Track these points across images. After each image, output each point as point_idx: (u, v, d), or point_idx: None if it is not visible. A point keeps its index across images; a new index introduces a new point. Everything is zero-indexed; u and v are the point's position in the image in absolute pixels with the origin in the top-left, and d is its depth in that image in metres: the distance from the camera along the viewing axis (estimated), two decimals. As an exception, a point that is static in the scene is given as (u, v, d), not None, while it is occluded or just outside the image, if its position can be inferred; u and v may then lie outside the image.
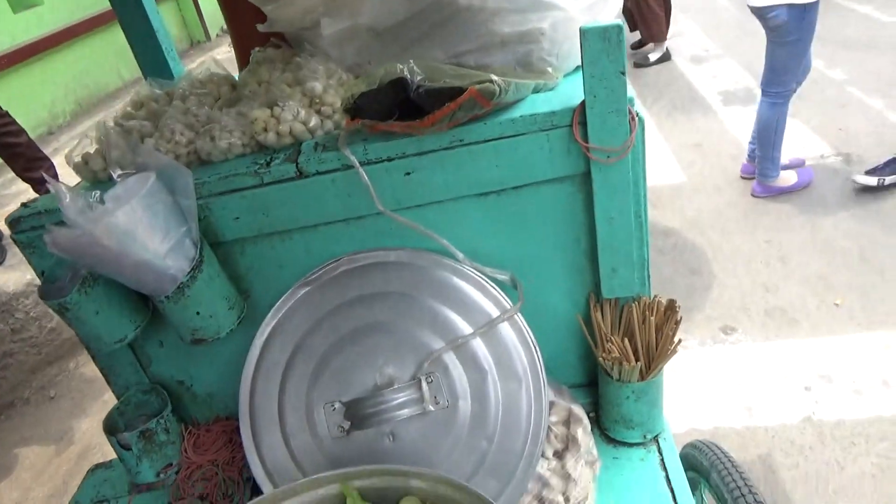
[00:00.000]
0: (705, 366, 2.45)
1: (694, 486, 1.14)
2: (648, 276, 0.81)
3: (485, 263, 0.79)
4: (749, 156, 3.30)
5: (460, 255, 0.78)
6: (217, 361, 0.91)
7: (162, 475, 0.93)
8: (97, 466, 1.01)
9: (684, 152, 3.71)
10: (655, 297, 0.81)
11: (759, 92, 3.04)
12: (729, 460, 1.06)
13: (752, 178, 3.28)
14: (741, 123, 3.98)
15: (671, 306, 0.80)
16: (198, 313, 0.77)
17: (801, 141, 3.66)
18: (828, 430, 2.10)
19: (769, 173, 3.13)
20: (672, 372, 2.50)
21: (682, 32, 5.56)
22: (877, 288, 2.58)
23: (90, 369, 2.87)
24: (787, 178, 3.17)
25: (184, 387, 0.95)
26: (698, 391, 2.33)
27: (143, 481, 0.93)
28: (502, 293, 0.79)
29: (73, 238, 0.65)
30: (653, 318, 0.78)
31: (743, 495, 0.96)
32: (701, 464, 1.10)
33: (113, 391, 0.95)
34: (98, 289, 0.76)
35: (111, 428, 0.91)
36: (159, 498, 0.92)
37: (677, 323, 0.79)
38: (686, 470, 0.86)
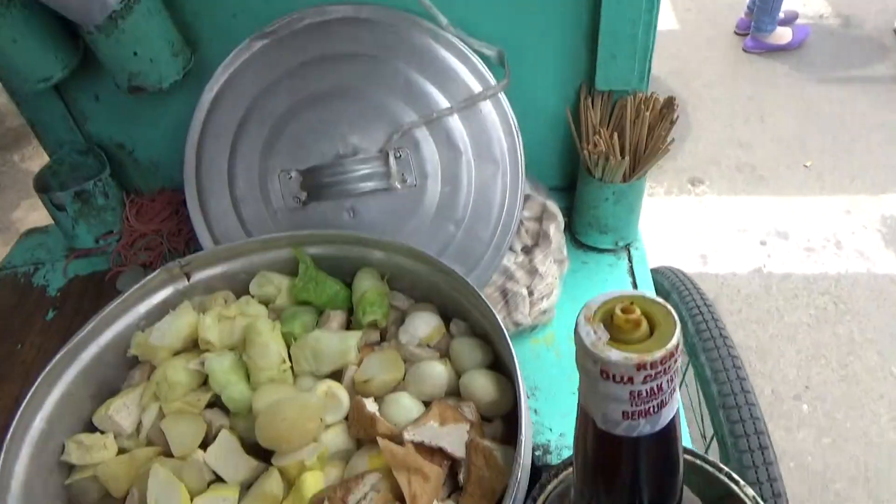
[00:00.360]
0: (668, 214, 2.46)
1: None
2: (649, 71, 0.73)
3: (471, 34, 0.69)
4: (748, 7, 3.13)
5: (444, 21, 0.68)
6: (161, 124, 0.82)
7: (101, 241, 0.87)
8: (31, 231, 0.94)
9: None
10: (652, 93, 0.74)
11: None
12: (690, 281, 1.05)
13: (746, 34, 3.13)
14: (745, -28, 3.71)
15: (669, 104, 0.72)
16: (135, 54, 0.66)
17: (803, -3, 3.45)
18: (775, 282, 2.16)
19: (765, 27, 2.98)
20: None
21: None
22: (849, 154, 2.57)
23: (38, 163, 2.74)
24: (782, 34, 3.03)
25: (124, 151, 0.86)
26: (658, 237, 2.35)
27: (80, 246, 0.86)
28: (487, 70, 0.70)
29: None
30: (647, 114, 0.71)
31: (701, 312, 0.95)
32: (662, 286, 1.09)
33: (45, 150, 0.86)
34: (15, 13, 0.64)
35: (43, 187, 0.83)
36: (98, 264, 0.86)
37: (672, 123, 0.72)
38: (647, 293, 0.84)
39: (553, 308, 0.76)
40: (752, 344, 1.97)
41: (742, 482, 0.43)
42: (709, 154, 2.62)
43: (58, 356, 0.53)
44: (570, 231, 0.85)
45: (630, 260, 0.82)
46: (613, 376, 0.25)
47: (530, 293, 0.74)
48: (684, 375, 1.10)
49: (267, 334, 0.57)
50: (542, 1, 0.69)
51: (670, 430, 0.28)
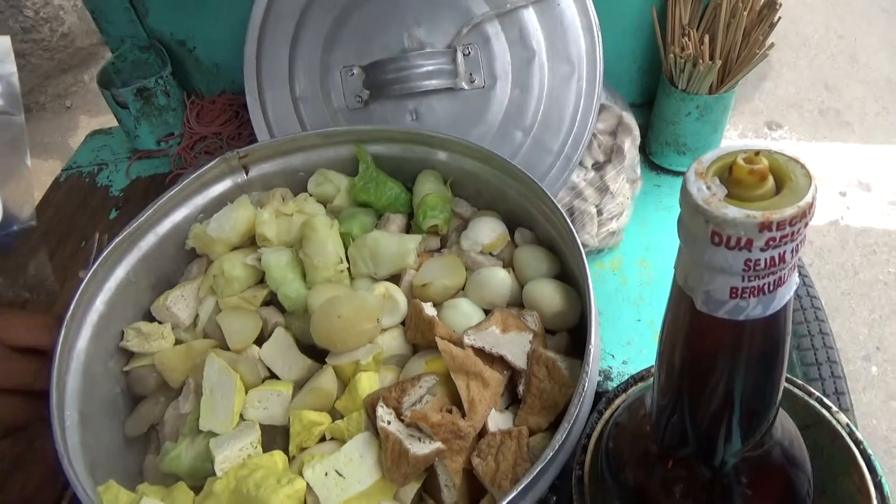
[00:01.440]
0: (741, 157, 2.33)
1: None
2: (751, -34, 0.65)
3: (553, -82, 0.63)
4: None
5: None
6: (223, 18, 0.79)
7: (163, 144, 0.86)
8: (96, 132, 0.94)
9: (774, -78, 3.21)
10: (753, -8, 0.66)
11: None
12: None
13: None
14: None
15: (770, 4, 0.65)
16: (197, -67, 0.63)
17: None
18: (852, 236, 2.04)
19: None
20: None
21: None
22: (949, 102, 2.36)
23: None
24: None
25: (186, 49, 0.84)
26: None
27: (143, 147, 0.86)
28: (569, -42, 0.63)
29: None
30: (745, 15, 0.64)
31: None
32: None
33: (108, 45, 0.84)
34: None
35: (106, 83, 0.82)
36: (160, 166, 0.85)
37: (772, 26, 0.65)
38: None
39: (622, 231, 0.72)
40: (822, 300, 1.87)
41: (834, 408, 0.39)
42: (790, 96, 2.46)
43: (116, 240, 0.52)
44: (645, 152, 0.80)
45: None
46: (728, 239, 0.21)
47: (599, 213, 0.70)
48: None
49: (324, 231, 0.54)
50: None
51: (781, 318, 0.24)
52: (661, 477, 0.31)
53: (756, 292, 0.22)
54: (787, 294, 0.23)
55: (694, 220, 0.21)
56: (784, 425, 0.31)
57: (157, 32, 0.82)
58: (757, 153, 0.21)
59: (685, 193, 0.22)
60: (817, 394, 0.39)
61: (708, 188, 0.21)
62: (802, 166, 0.21)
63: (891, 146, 2.23)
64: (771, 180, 0.21)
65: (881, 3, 2.74)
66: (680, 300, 0.25)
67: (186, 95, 0.86)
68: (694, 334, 0.25)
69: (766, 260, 0.21)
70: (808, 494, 0.31)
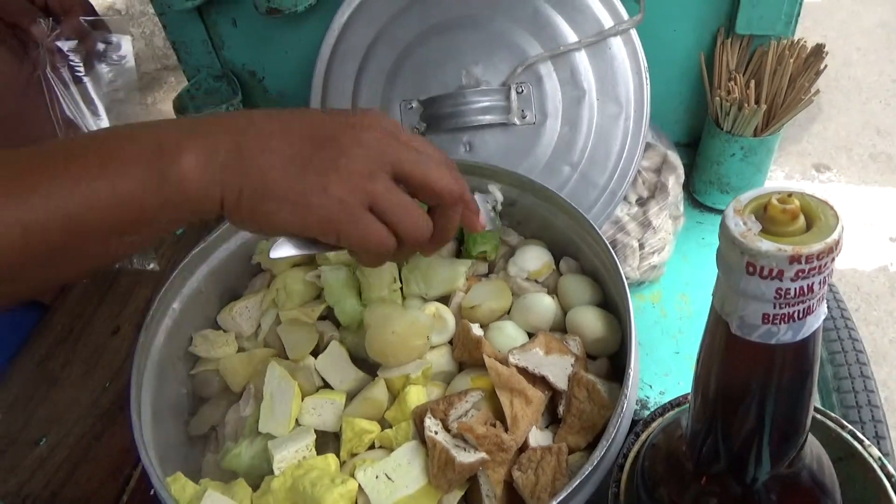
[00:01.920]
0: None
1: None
2: (798, 15, 0.68)
3: (607, -33, 0.67)
4: None
5: (581, -51, 0.66)
6: (292, 53, 0.85)
7: (228, 166, 0.91)
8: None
9: (828, -34, 3.21)
10: (800, 39, 0.69)
11: None
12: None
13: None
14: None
15: (817, 52, 0.67)
16: (276, -25, 0.69)
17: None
18: (903, 283, 1.99)
19: None
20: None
21: None
22: None
23: (168, 105, 2.92)
24: None
25: (256, 79, 0.90)
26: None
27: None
28: (620, 3, 0.67)
29: None
30: (791, 62, 0.66)
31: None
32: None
33: (185, 73, 0.91)
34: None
35: (181, 108, 0.88)
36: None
37: (818, 73, 0.67)
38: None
39: (663, 265, 0.74)
40: (869, 347, 1.82)
41: (867, 441, 0.40)
42: (840, 139, 2.43)
43: (192, 252, 0.57)
44: (689, 190, 0.82)
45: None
46: (761, 270, 0.23)
47: (641, 246, 0.72)
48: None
49: None
50: (687, -65, 0.66)
51: (811, 344, 0.26)
52: (695, 493, 0.33)
53: (787, 319, 0.25)
54: (815, 322, 0.25)
55: (731, 252, 0.24)
56: (814, 451, 0.33)
57: (231, 63, 0.89)
58: (790, 195, 0.24)
59: (724, 227, 0.24)
60: (850, 427, 0.41)
61: (744, 223, 0.24)
62: (831, 207, 0.24)
63: (944, 194, 2.19)
64: (802, 219, 0.24)
65: (937, 49, 2.71)
66: (717, 324, 0.27)
67: (253, 121, 0.92)
68: (729, 356, 0.28)
69: (795, 290, 0.24)
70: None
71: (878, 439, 0.72)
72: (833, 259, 0.23)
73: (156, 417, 0.51)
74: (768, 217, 0.24)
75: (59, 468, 0.65)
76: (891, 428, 1.72)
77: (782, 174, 2.34)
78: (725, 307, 0.26)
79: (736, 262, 0.24)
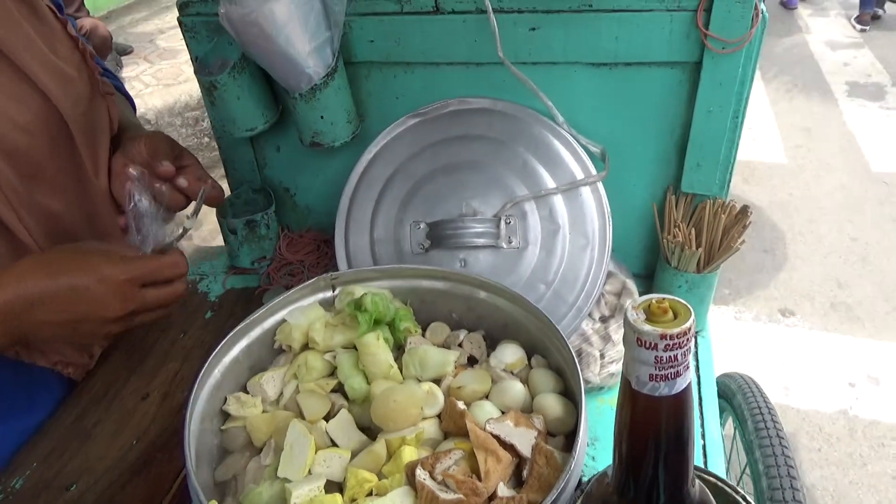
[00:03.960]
0: (754, 340, 2.46)
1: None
2: (729, 181, 0.86)
3: (581, 132, 0.86)
4: None
5: (560, 118, 0.85)
6: (322, 176, 1.03)
7: (256, 264, 1.07)
8: (201, 248, 1.16)
9: (792, 134, 3.59)
10: (731, 200, 0.87)
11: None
12: (756, 386, 1.12)
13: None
14: (859, 119, 3.79)
15: (744, 212, 0.85)
16: (322, 117, 0.87)
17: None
18: (861, 426, 2.11)
19: None
20: (720, 339, 2.51)
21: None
22: (954, 306, 2.50)
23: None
24: None
25: (288, 194, 1.07)
26: (741, 360, 2.35)
27: (239, 265, 1.07)
28: (591, 162, 0.85)
29: (241, 15, 0.75)
30: (723, 217, 0.84)
31: (761, 412, 1.02)
32: (729, 387, 1.17)
33: (229, 184, 1.08)
34: (244, 78, 0.87)
35: (222, 213, 1.04)
36: (250, 281, 1.06)
37: (745, 227, 0.84)
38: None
39: (620, 373, 0.87)
40: (830, 487, 1.91)
41: (749, 498, 0.53)
42: (803, 287, 2.63)
43: (236, 329, 0.70)
44: (646, 313, 0.97)
45: (696, 346, 0.92)
46: (645, 343, 0.38)
47: (602, 356, 0.86)
48: (741, 475, 1.15)
49: (375, 346, 0.71)
50: (643, 114, 0.85)
51: (683, 398, 0.40)
52: (615, 518, 0.45)
53: (664, 378, 0.39)
54: (683, 383, 0.39)
55: (629, 331, 0.39)
56: (702, 489, 0.46)
57: (269, 180, 1.06)
58: (664, 299, 0.39)
59: (625, 318, 0.39)
60: (742, 492, 0.53)
61: (637, 315, 0.39)
62: (688, 308, 0.39)
63: (900, 345, 2.34)
64: (671, 314, 0.39)
65: (891, 214, 2.97)
66: (625, 384, 0.41)
67: (281, 229, 1.08)
68: (631, 406, 0.41)
69: (666, 357, 0.38)
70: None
71: None
72: (689, 338, 0.38)
73: (196, 460, 0.62)
74: (650, 311, 0.39)
75: (88, 511, 0.74)
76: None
77: (750, 315, 2.51)
78: (628, 370, 0.40)
79: (631, 338, 0.38)
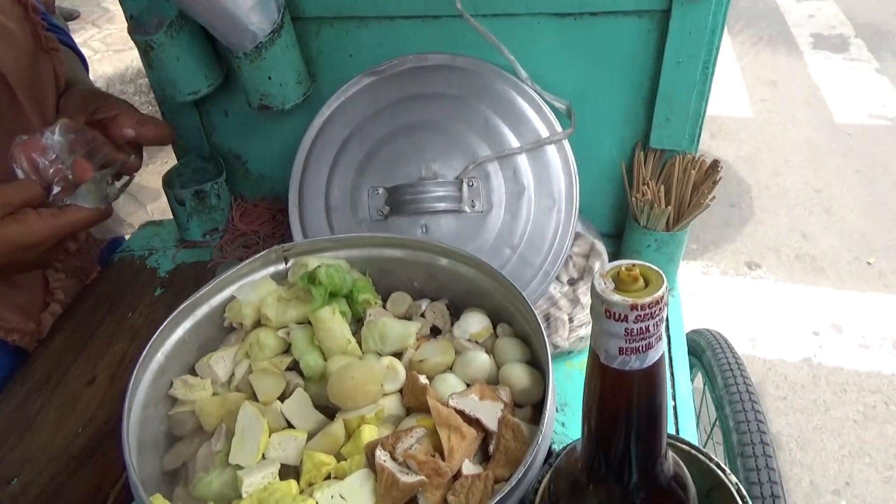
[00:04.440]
0: (722, 294, 2.49)
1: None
2: (699, 135, 0.83)
3: (546, 88, 0.82)
4: None
5: (524, 74, 0.80)
6: (274, 141, 0.97)
7: (208, 237, 1.01)
8: (148, 223, 1.10)
9: (758, 88, 3.58)
10: (700, 155, 0.84)
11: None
12: (725, 341, 1.11)
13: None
14: (824, 71, 3.80)
15: (714, 166, 0.82)
16: (269, 78, 0.81)
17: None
18: (824, 374, 2.15)
19: None
20: (688, 294, 2.53)
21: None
22: (916, 255, 2.54)
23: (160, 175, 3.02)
24: None
25: (239, 161, 1.01)
26: (709, 315, 2.38)
27: (190, 238, 1.01)
28: (556, 120, 0.81)
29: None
30: (693, 173, 0.81)
31: (731, 368, 1.01)
32: (698, 344, 1.16)
33: (175, 153, 1.02)
34: (182, 36, 0.80)
35: (169, 183, 0.98)
36: (202, 255, 1.00)
37: (715, 183, 0.81)
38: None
39: (589, 336, 0.85)
40: (795, 433, 1.96)
41: (727, 470, 0.51)
42: (769, 240, 2.65)
43: (180, 308, 0.66)
44: (615, 274, 0.94)
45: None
46: (614, 314, 0.34)
47: (570, 320, 0.83)
48: (711, 432, 1.15)
49: (330, 321, 0.67)
50: (610, 66, 0.81)
51: (655, 371, 0.37)
52: (585, 497, 0.43)
53: (634, 351, 0.36)
54: (655, 355, 0.36)
55: (596, 302, 0.35)
56: (676, 462, 0.43)
57: (218, 147, 1.00)
58: (633, 265, 0.35)
59: (592, 286, 0.35)
60: (717, 459, 0.51)
61: (605, 284, 0.35)
62: (659, 274, 0.35)
63: (862, 293, 2.39)
64: (642, 281, 0.35)
65: (854, 165, 3.01)
66: (593, 358, 0.38)
67: (233, 198, 1.03)
68: (600, 381, 0.38)
69: (637, 329, 0.35)
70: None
71: (774, 498, 0.82)
72: (661, 308, 0.35)
73: (138, 450, 0.58)
74: (620, 279, 0.35)
75: (31, 506, 0.70)
76: (815, 510, 1.78)
77: (718, 269, 2.53)
78: (596, 343, 0.37)
79: (599, 309, 0.35)
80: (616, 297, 0.34)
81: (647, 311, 0.34)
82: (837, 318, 2.28)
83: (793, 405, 2.04)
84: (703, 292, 2.41)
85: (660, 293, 0.34)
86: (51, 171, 0.67)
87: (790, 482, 1.83)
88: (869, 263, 2.50)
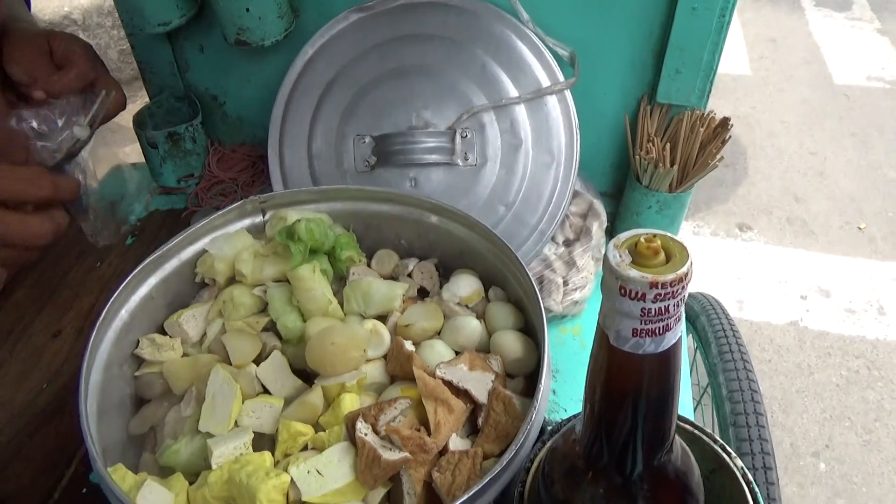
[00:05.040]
0: (711, 255, 2.47)
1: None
2: (710, 90, 0.77)
3: (548, 33, 0.75)
4: None
5: (525, 16, 0.74)
6: (254, 81, 0.90)
7: (183, 182, 0.95)
8: (120, 165, 1.03)
9: (757, 45, 3.49)
10: (710, 112, 0.78)
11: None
12: (721, 307, 1.08)
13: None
14: (825, 29, 3.71)
15: (723, 123, 0.77)
16: (247, 10, 0.74)
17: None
18: (809, 337, 2.15)
19: None
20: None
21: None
22: (907, 223, 2.53)
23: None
24: None
25: (216, 103, 0.94)
26: (698, 276, 2.36)
27: (164, 184, 0.95)
28: (558, 67, 0.75)
29: None
30: (701, 131, 0.75)
31: (725, 335, 0.99)
32: (693, 308, 1.13)
33: (147, 91, 0.95)
34: (149, -41, 0.73)
35: (140, 125, 0.91)
36: (177, 202, 0.94)
37: (724, 142, 0.76)
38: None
39: (584, 301, 0.81)
40: (778, 395, 1.96)
41: (733, 454, 0.47)
42: (761, 202, 2.62)
43: (146, 261, 0.60)
44: (611, 235, 0.90)
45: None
46: (630, 292, 0.30)
47: (565, 283, 0.79)
48: (701, 398, 1.13)
49: (310, 279, 0.62)
50: (618, 12, 0.75)
51: (671, 355, 0.33)
52: (584, 486, 0.39)
53: (650, 333, 0.31)
54: (673, 338, 0.32)
55: (609, 277, 0.31)
56: (682, 452, 0.40)
57: (194, 86, 0.93)
58: (654, 235, 0.31)
59: (605, 259, 0.31)
60: (721, 441, 0.47)
61: (620, 256, 0.31)
62: (684, 248, 0.31)
63: (851, 258, 2.37)
64: (663, 255, 0.31)
65: (850, 128, 2.96)
66: (601, 338, 0.34)
67: (210, 143, 0.96)
68: (608, 364, 0.34)
69: (655, 309, 0.30)
70: (697, 499, 0.39)
71: (766, 470, 0.80)
72: (684, 287, 0.30)
73: (100, 414, 0.54)
74: (637, 252, 0.30)
75: (-10, 464, 0.66)
76: (793, 472, 1.82)
77: (709, 230, 2.50)
78: (606, 322, 0.33)
79: (612, 286, 0.30)
80: (633, 273, 0.29)
81: (669, 289, 0.30)
82: (825, 283, 2.27)
83: (777, 368, 2.04)
84: (693, 253, 2.39)
85: (684, 269, 0.30)
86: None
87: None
88: (860, 228, 2.48)
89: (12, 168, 0.56)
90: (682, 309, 0.31)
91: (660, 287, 0.29)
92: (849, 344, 2.07)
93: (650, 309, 0.30)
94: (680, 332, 0.32)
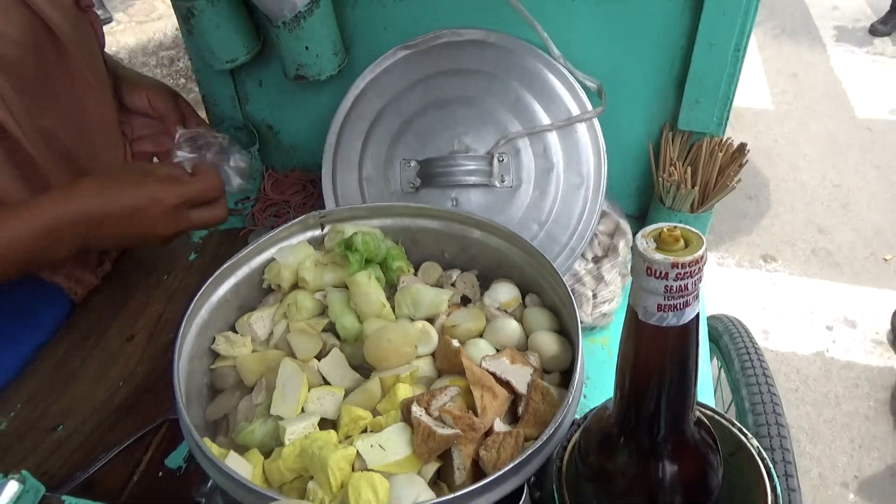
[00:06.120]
0: (737, 285, 2.49)
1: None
2: (727, 118, 0.84)
3: (577, 67, 0.83)
4: None
5: (557, 52, 0.82)
6: (307, 113, 0.99)
7: (240, 205, 1.04)
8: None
9: (778, 80, 3.55)
10: (728, 138, 0.85)
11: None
12: (742, 326, 1.13)
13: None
14: (846, 64, 3.75)
15: (740, 149, 0.83)
16: (307, 48, 0.83)
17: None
18: (836, 368, 2.16)
19: None
20: (703, 283, 2.58)
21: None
22: (934, 254, 2.53)
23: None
24: None
25: (272, 132, 1.04)
26: (723, 306, 2.38)
27: (223, 206, 1.04)
28: (586, 98, 0.83)
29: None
30: (720, 155, 0.82)
31: (748, 352, 1.03)
32: (716, 329, 1.18)
33: (209, 121, 1.04)
34: (222, 4, 0.82)
35: (204, 152, 1.01)
36: (235, 223, 1.03)
37: (741, 166, 0.83)
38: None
39: (612, 314, 0.87)
40: (805, 425, 1.97)
41: (749, 435, 0.53)
42: (785, 234, 2.65)
43: (222, 267, 0.68)
44: (638, 254, 0.96)
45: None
46: (655, 272, 0.36)
47: (594, 296, 0.85)
48: (726, 412, 1.17)
49: (366, 285, 0.70)
50: (642, 47, 0.82)
51: (690, 328, 0.39)
52: (617, 449, 0.45)
53: (672, 308, 0.38)
54: (692, 313, 0.38)
55: (638, 260, 0.37)
56: (705, 428, 0.46)
57: (251, 117, 1.02)
58: (675, 227, 0.38)
59: (634, 245, 0.38)
60: (738, 424, 0.53)
61: (646, 243, 0.37)
62: (700, 236, 0.37)
63: (877, 289, 2.38)
64: (682, 242, 0.37)
65: (873, 161, 2.99)
66: (631, 315, 0.40)
67: (265, 168, 1.05)
68: (637, 337, 0.40)
69: (676, 287, 0.37)
70: (717, 465, 0.45)
71: (783, 451, 0.84)
72: (700, 268, 0.37)
73: (186, 400, 0.61)
74: (661, 239, 0.37)
75: (76, 451, 0.73)
76: (822, 502, 1.81)
77: (733, 261, 2.53)
78: (635, 300, 0.39)
79: (640, 267, 0.37)
80: (658, 256, 0.36)
81: (688, 269, 0.36)
82: (851, 314, 2.28)
83: (804, 398, 2.05)
84: (717, 283, 2.42)
85: (700, 252, 0.36)
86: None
87: (799, 474, 1.85)
88: (885, 260, 2.49)
89: (201, 179, 0.75)
90: (700, 288, 0.38)
91: (680, 267, 0.36)
92: (876, 374, 2.08)
93: (672, 286, 0.37)
94: (697, 310, 0.39)
